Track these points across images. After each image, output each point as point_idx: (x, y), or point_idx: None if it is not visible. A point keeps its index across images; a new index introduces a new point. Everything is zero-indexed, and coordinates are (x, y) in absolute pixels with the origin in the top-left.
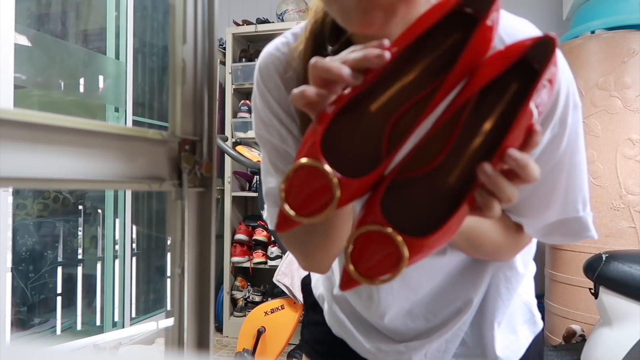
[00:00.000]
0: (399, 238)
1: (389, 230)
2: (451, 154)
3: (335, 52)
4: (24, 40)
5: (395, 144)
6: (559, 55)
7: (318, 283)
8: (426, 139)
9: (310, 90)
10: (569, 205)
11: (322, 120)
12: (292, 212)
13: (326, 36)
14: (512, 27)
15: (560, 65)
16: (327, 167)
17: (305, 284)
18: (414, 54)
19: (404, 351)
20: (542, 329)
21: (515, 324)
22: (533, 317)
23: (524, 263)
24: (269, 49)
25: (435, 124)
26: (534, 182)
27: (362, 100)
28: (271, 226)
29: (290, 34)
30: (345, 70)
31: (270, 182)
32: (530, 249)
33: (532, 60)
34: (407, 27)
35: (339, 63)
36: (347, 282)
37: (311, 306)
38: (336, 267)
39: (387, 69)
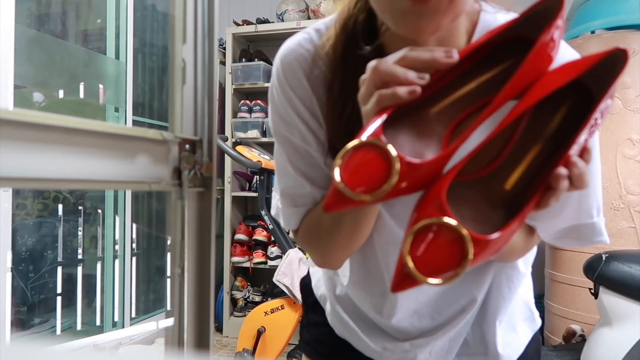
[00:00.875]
0: (465, 232)
1: (455, 223)
2: (507, 161)
3: (370, 54)
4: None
5: (455, 144)
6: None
7: (319, 283)
8: (484, 144)
9: (402, 88)
10: (583, 211)
11: (382, 112)
12: (347, 190)
13: (359, 34)
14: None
15: None
16: (390, 147)
17: (305, 284)
18: (475, 68)
19: (409, 349)
20: (541, 327)
21: (516, 322)
22: (532, 315)
23: (525, 263)
24: (290, 45)
25: (493, 132)
26: (584, 189)
27: (423, 104)
28: (286, 226)
29: (312, 30)
30: (411, 75)
31: (288, 181)
32: (533, 249)
33: (590, 78)
34: (470, 44)
35: (403, 68)
36: (401, 282)
37: (311, 307)
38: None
39: (451, 77)
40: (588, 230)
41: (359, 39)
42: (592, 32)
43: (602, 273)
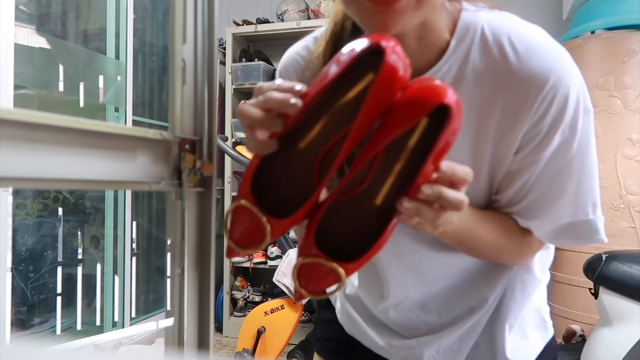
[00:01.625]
0: (333, 265)
1: (323, 260)
2: (376, 177)
3: None
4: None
5: (323, 176)
6: (566, 61)
7: None
8: (348, 179)
9: (255, 111)
10: (578, 208)
11: (254, 159)
12: (233, 245)
13: (346, 39)
14: (524, 35)
15: (571, 71)
16: (256, 210)
17: None
18: (335, 91)
19: (415, 346)
20: (554, 336)
21: (527, 329)
22: (545, 324)
23: (541, 268)
24: (290, 52)
25: (355, 164)
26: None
27: (292, 138)
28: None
29: (311, 37)
30: (257, 114)
31: None
32: (549, 254)
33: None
34: (322, 74)
35: (258, 110)
36: (299, 297)
37: (324, 304)
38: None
39: (312, 107)
40: (584, 228)
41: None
42: (592, 32)
43: (602, 273)
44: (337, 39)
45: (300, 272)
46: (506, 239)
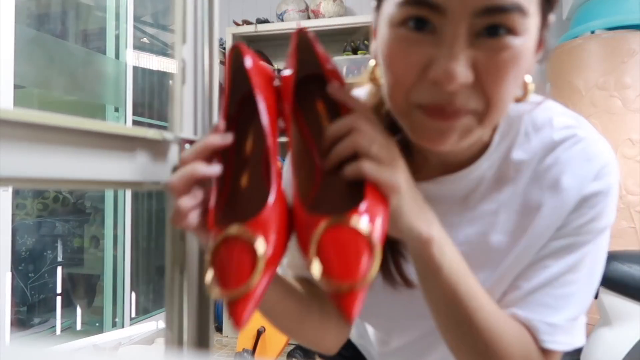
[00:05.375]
0: (374, 240)
1: (364, 228)
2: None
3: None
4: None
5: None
6: (613, 164)
7: None
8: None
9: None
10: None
11: (210, 215)
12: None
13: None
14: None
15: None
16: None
17: None
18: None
19: None
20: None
21: None
22: None
23: None
24: None
25: (292, 156)
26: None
27: (233, 182)
28: None
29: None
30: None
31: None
32: None
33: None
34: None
35: (179, 172)
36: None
37: None
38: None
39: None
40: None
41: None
42: (592, 32)
43: (602, 273)
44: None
45: (322, 243)
46: (510, 332)
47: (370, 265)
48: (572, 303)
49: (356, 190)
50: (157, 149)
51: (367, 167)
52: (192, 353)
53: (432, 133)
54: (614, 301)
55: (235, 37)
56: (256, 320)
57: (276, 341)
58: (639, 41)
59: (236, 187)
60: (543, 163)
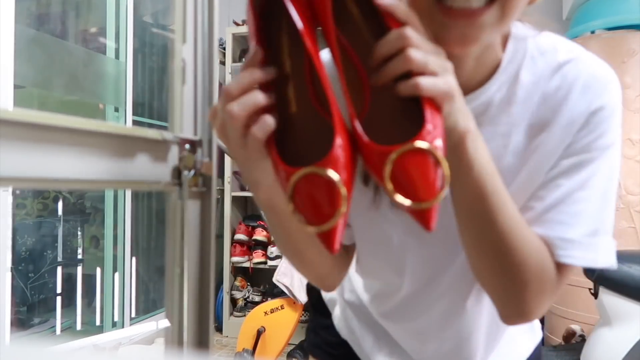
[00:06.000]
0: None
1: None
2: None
3: None
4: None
5: (326, 100)
6: (615, 81)
7: None
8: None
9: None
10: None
11: (268, 143)
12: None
13: None
14: (571, 54)
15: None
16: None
17: (312, 287)
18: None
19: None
20: (542, 338)
21: (515, 333)
22: (532, 327)
23: None
24: None
25: (340, 73)
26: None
27: (282, 108)
28: None
29: None
30: (259, 97)
31: None
32: None
33: None
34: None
35: (240, 103)
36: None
37: (320, 310)
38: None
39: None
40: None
41: None
42: (592, 32)
43: (602, 273)
44: None
45: (397, 166)
46: (529, 239)
47: (444, 181)
48: (587, 219)
49: (406, 103)
50: (157, 149)
51: (425, 83)
52: (192, 353)
53: (456, 32)
54: (614, 301)
55: (235, 37)
56: (256, 320)
57: (276, 341)
58: (639, 41)
59: (285, 113)
60: (550, 83)
